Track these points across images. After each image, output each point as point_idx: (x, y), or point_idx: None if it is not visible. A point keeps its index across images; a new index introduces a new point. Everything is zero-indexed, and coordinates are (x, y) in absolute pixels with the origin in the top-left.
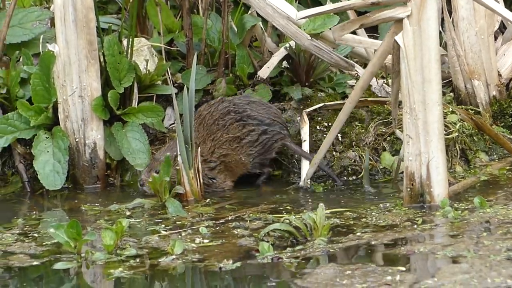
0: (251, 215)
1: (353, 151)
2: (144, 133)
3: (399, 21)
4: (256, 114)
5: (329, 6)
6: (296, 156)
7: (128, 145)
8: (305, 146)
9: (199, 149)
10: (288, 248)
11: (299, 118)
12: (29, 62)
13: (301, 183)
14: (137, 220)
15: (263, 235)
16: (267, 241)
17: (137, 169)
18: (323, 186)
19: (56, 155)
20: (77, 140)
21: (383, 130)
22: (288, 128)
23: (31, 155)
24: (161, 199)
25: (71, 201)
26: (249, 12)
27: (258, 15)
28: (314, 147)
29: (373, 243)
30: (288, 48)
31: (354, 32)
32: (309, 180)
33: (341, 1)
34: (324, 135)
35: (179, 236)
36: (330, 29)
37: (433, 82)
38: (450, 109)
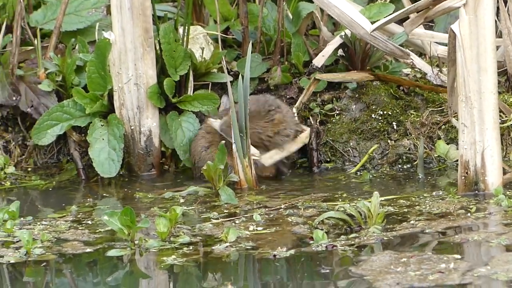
0: (305, 203)
1: (408, 140)
2: (199, 125)
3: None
4: None
5: (397, 13)
6: (351, 144)
7: (182, 136)
8: None
9: None
10: (343, 236)
11: (354, 106)
12: (85, 49)
13: None
14: (191, 208)
15: (317, 223)
16: (321, 229)
17: (186, 164)
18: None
19: (111, 142)
20: (132, 127)
21: (438, 119)
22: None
23: (86, 143)
24: (215, 187)
25: (126, 189)
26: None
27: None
28: (368, 135)
29: (427, 231)
30: (343, 37)
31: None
32: None
33: None
34: (379, 123)
35: (233, 224)
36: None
37: (489, 71)
38: None
